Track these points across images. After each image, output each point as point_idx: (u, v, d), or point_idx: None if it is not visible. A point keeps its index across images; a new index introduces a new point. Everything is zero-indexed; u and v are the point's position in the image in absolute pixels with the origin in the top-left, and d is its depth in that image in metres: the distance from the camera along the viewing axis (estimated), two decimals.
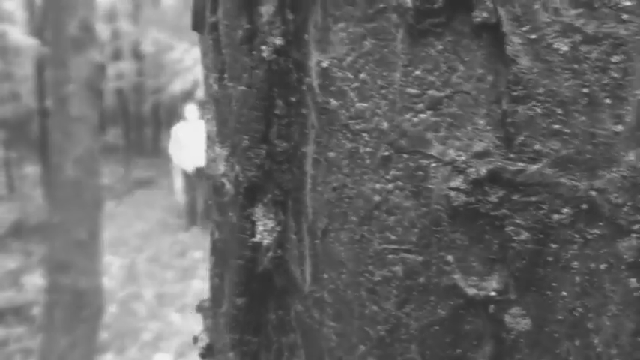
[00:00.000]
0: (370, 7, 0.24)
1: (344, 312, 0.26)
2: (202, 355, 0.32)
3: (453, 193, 0.22)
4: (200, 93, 7.02)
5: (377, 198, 0.24)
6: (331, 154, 0.26)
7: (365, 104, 0.24)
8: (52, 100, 3.59)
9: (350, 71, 0.25)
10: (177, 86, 7.01)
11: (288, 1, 0.25)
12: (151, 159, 14.85)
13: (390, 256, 0.24)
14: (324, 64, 0.25)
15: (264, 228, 0.27)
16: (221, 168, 0.29)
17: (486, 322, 0.23)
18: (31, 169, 10.24)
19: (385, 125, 0.24)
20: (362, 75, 0.24)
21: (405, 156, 0.23)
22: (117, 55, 11.63)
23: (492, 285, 0.22)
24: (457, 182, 0.22)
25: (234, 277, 0.29)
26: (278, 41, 0.26)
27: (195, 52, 7.09)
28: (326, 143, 0.26)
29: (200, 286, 5.67)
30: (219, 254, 0.31)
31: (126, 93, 14.05)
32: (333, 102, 0.25)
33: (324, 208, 0.26)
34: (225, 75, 0.29)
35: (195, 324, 3.47)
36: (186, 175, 6.53)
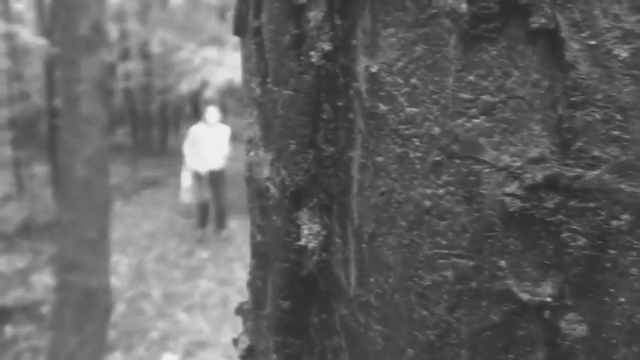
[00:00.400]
0: (422, 12, 0.24)
1: (391, 316, 0.26)
2: (243, 357, 0.33)
3: (507, 199, 0.22)
4: (208, 94, 7.02)
5: (427, 203, 0.25)
6: (379, 159, 0.26)
7: (415, 109, 0.24)
8: (62, 99, 3.61)
9: (400, 76, 0.25)
10: (184, 86, 7.02)
11: (337, 7, 0.26)
12: (158, 159, 14.91)
13: (441, 260, 0.24)
14: (373, 70, 0.25)
15: (310, 232, 0.28)
16: (265, 172, 0.29)
17: (540, 328, 0.23)
18: (40, 169, 10.30)
19: (437, 130, 0.24)
20: (412, 80, 0.24)
21: (457, 161, 0.23)
22: (125, 55, 11.67)
23: (547, 291, 0.22)
24: (512, 188, 0.22)
25: (278, 280, 0.29)
26: (327, 46, 0.26)
27: (204, 53, 7.10)
28: (373, 148, 0.26)
29: (207, 286, 5.68)
30: (261, 257, 0.32)
31: (133, 93, 14.11)
32: (382, 107, 0.25)
33: (371, 213, 0.26)
34: (269, 79, 0.29)
35: (203, 324, 3.51)
36: (198, 177, 6.45)
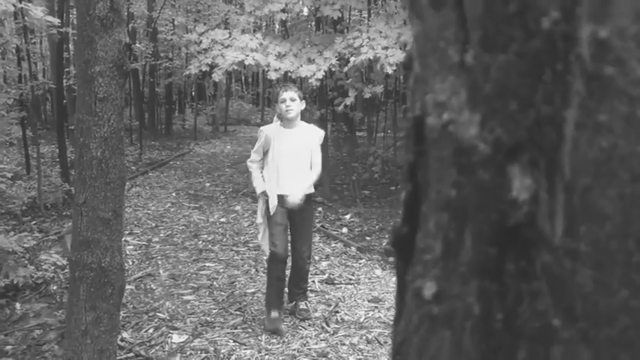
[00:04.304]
0: None
1: (604, 261, 0.29)
2: (429, 302, 0.36)
3: None
4: (217, 77, 6.98)
5: None
6: (602, 118, 0.28)
7: None
8: (78, 79, 3.61)
9: (632, 41, 0.27)
10: (193, 69, 7.01)
11: None
12: (163, 141, 14.90)
13: None
14: (602, 35, 0.28)
15: (521, 185, 0.30)
16: (473, 131, 0.32)
17: None
18: (47, 149, 10.31)
19: None
20: None
21: None
22: (132, 37, 11.62)
23: None
24: None
25: (484, 229, 0.32)
26: (556, 14, 0.28)
27: (213, 35, 7.06)
28: (594, 108, 0.29)
29: (215, 268, 5.73)
30: (456, 211, 0.34)
31: (140, 74, 14.04)
32: (609, 70, 0.28)
33: (587, 167, 0.29)
34: (474, 47, 0.32)
35: (211, 304, 3.56)
36: (275, 212, 3.84)
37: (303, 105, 3.88)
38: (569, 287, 0.30)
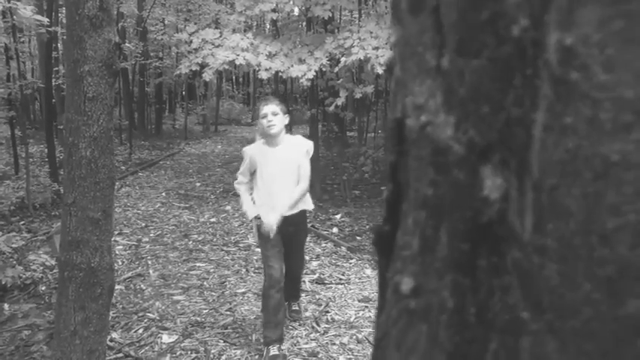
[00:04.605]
0: None
1: (569, 256, 0.31)
2: (407, 296, 0.37)
3: None
4: (207, 77, 6.97)
5: (615, 157, 0.29)
6: (567, 120, 0.30)
7: (609, 76, 0.29)
8: (67, 78, 3.59)
9: (596, 48, 0.29)
10: (183, 68, 6.99)
11: None
12: (153, 141, 14.84)
13: (626, 206, 0.29)
14: (568, 42, 0.29)
15: (493, 184, 0.32)
16: (448, 132, 0.34)
17: None
18: (35, 148, 10.22)
19: (629, 94, 0.28)
20: (608, 51, 0.29)
21: None
22: (121, 36, 11.55)
23: None
24: None
25: (458, 226, 0.34)
26: (525, 22, 0.30)
27: (203, 35, 7.05)
28: (561, 111, 0.30)
29: (205, 269, 5.72)
30: (432, 209, 0.36)
31: (130, 74, 13.96)
32: (574, 75, 0.30)
33: (554, 168, 0.31)
34: (450, 52, 0.33)
35: (202, 304, 3.55)
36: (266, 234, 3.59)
37: (286, 119, 3.52)
38: (537, 281, 0.32)
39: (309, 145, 3.62)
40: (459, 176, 0.33)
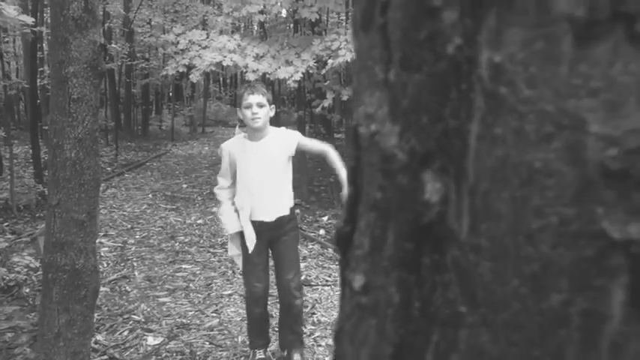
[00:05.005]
0: (543, 17, 0.31)
1: (500, 255, 0.34)
2: (358, 293, 0.40)
3: (608, 160, 0.30)
4: (195, 78, 6.97)
5: (538, 164, 0.32)
6: (497, 130, 0.33)
7: (532, 91, 0.32)
8: (52, 80, 3.57)
9: (521, 65, 0.32)
10: (170, 69, 6.97)
11: (467, 9, 0.33)
12: (139, 142, 14.74)
13: (548, 209, 0.32)
14: (497, 60, 0.32)
15: (433, 188, 0.35)
16: (393, 141, 0.36)
17: (625, 259, 0.31)
18: (20, 149, 10.11)
19: (550, 108, 0.31)
20: (531, 68, 0.32)
21: (567, 132, 0.31)
22: (108, 36, 11.47)
23: (635, 230, 0.30)
24: (612, 152, 0.30)
25: (402, 227, 0.37)
26: (458, 41, 0.33)
27: (190, 36, 7.04)
28: (492, 122, 0.33)
29: (191, 270, 5.70)
30: (381, 211, 0.39)
31: (116, 74, 13.86)
32: (502, 89, 0.33)
33: (486, 174, 0.34)
34: (395, 66, 0.36)
35: (187, 307, 3.54)
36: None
37: (272, 111, 3.08)
38: (473, 278, 0.35)
39: (297, 136, 3.11)
40: (403, 181, 0.36)
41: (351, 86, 0.45)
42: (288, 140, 3.11)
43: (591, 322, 0.32)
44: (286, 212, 3.15)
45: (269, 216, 3.09)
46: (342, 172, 3.04)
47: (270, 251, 3.26)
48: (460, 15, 0.32)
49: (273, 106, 3.13)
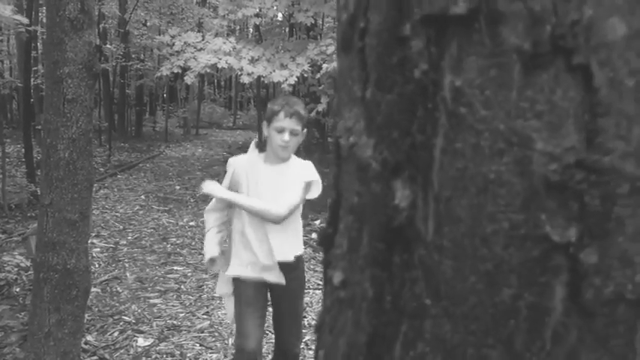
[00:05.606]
0: (496, 48, 0.36)
1: (459, 254, 0.38)
2: (337, 288, 0.44)
3: (550, 174, 0.35)
4: (189, 80, 6.99)
5: (492, 176, 0.37)
6: (458, 145, 0.38)
7: (487, 112, 0.37)
8: (46, 80, 3.59)
9: (477, 89, 0.37)
10: (165, 71, 7.00)
11: (432, 39, 0.37)
12: (133, 143, 14.72)
13: (500, 215, 0.37)
14: (457, 84, 0.37)
15: (402, 195, 0.39)
16: (368, 152, 0.41)
17: (566, 259, 0.36)
18: (12, 148, 10.07)
19: (502, 127, 0.36)
20: (486, 92, 0.37)
21: (516, 148, 0.36)
22: (102, 37, 11.45)
23: (572, 234, 0.35)
24: (554, 166, 0.35)
25: (375, 229, 0.41)
26: (424, 66, 0.37)
27: (185, 38, 7.07)
28: (453, 138, 0.38)
29: (182, 272, 5.71)
30: (357, 215, 0.43)
31: (110, 75, 13.83)
32: (462, 110, 0.37)
33: (449, 182, 0.38)
34: (371, 86, 0.41)
35: (178, 308, 3.55)
36: (244, 287, 2.53)
37: (303, 137, 2.50)
38: (437, 274, 0.39)
39: (317, 182, 2.51)
40: (377, 188, 0.41)
41: (335, 100, 0.49)
42: (308, 178, 2.49)
43: (537, 314, 0.36)
44: (290, 259, 2.49)
45: (270, 258, 2.43)
46: (258, 202, 2.42)
47: (270, 296, 2.61)
48: (426, 44, 0.37)
49: (305, 130, 2.50)
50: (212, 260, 2.57)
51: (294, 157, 2.57)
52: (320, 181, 2.56)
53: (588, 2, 0.32)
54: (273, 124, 2.43)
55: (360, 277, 0.43)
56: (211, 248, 2.58)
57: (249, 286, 2.52)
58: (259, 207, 2.40)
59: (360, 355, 0.42)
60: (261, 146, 2.56)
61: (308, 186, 2.50)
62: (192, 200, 9.10)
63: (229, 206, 2.57)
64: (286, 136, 2.40)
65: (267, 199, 2.42)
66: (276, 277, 2.45)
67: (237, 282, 2.56)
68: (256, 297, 2.52)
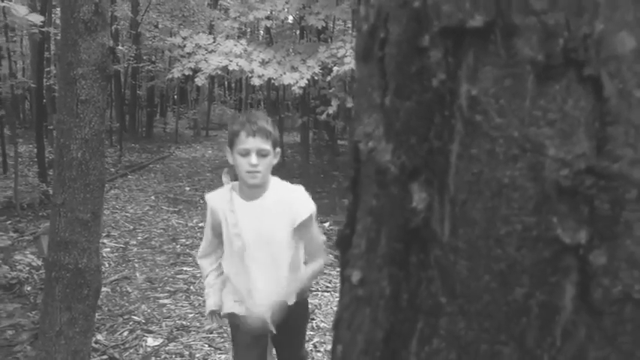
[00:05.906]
0: (511, 59, 0.38)
1: (474, 255, 0.40)
2: (356, 286, 0.46)
3: (561, 179, 0.37)
4: (200, 81, 7.04)
5: (506, 180, 0.39)
6: (473, 151, 0.40)
7: (502, 120, 0.39)
8: (60, 81, 3.63)
9: (493, 98, 0.39)
10: (176, 72, 7.06)
11: (450, 50, 0.40)
12: (143, 144, 14.82)
13: (513, 217, 0.39)
14: (473, 93, 0.39)
15: (419, 198, 0.41)
16: (387, 157, 0.43)
17: (576, 260, 0.37)
18: (24, 148, 10.19)
19: (516, 134, 0.38)
20: (501, 101, 0.39)
21: (529, 154, 0.38)
22: (115, 39, 11.54)
23: (583, 236, 0.37)
24: (565, 172, 0.37)
25: (393, 230, 0.43)
26: (442, 76, 0.40)
27: (197, 39, 7.12)
28: (469, 144, 0.40)
29: (192, 273, 5.75)
30: (376, 216, 0.45)
31: (122, 76, 13.95)
32: (478, 117, 0.39)
33: (464, 187, 0.40)
34: (390, 93, 0.43)
35: (187, 309, 3.55)
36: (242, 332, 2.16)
37: (277, 157, 2.10)
38: (452, 274, 0.41)
39: (308, 209, 2.10)
40: (394, 191, 0.43)
41: (353, 106, 0.52)
42: (294, 207, 2.09)
43: (548, 313, 0.38)
44: (299, 299, 2.21)
45: (262, 308, 2.09)
46: (310, 270, 2.20)
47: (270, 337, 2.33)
48: (444, 54, 0.39)
49: (278, 150, 2.11)
50: (213, 312, 2.31)
51: (274, 181, 2.15)
52: (311, 204, 2.16)
53: (599, 17, 0.34)
54: (235, 147, 2.03)
55: (378, 276, 0.45)
56: (213, 300, 2.29)
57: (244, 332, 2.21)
58: (315, 272, 2.22)
59: (378, 351, 0.44)
60: (235, 175, 2.17)
61: (300, 226, 2.10)
62: (201, 201, 9.15)
63: (220, 243, 2.25)
64: (253, 159, 1.98)
65: (249, 242, 2.09)
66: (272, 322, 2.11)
67: (232, 318, 2.29)
68: (255, 338, 2.21)
